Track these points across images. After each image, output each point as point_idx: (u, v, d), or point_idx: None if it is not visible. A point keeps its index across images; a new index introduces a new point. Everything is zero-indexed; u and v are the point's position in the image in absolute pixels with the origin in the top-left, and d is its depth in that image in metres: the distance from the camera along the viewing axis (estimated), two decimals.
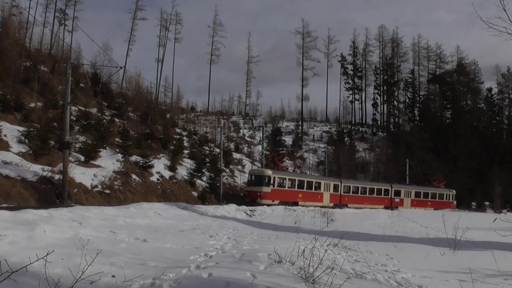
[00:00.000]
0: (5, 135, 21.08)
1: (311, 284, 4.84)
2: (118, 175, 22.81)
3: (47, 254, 4.16)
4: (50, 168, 19.23)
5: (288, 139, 70.84)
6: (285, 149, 60.81)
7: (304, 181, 32.25)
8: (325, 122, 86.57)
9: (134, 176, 24.30)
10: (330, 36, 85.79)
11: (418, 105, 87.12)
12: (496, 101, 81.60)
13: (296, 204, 29.61)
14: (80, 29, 58.62)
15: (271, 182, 28.36)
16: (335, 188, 34.63)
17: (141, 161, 26.31)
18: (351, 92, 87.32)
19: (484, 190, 55.52)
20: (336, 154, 63.48)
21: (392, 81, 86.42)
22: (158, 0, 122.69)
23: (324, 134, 79.10)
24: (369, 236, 12.27)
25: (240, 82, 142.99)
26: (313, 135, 78.21)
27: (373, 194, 38.30)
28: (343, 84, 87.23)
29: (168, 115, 56.53)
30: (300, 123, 79.33)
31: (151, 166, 26.78)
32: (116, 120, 37.96)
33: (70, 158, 20.73)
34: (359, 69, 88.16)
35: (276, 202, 28.19)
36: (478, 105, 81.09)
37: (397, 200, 40.06)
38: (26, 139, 21.47)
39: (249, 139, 67.04)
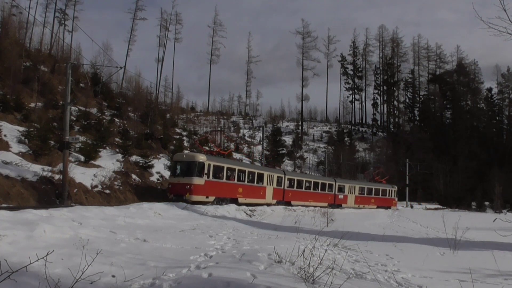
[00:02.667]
0: (5, 135, 21.08)
1: (311, 284, 4.84)
2: (118, 175, 22.80)
3: (47, 254, 4.16)
4: (50, 168, 19.23)
5: (288, 139, 70.87)
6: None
7: (245, 171, 25.18)
8: (325, 122, 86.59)
9: (134, 176, 24.31)
10: (330, 36, 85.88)
11: (418, 105, 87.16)
12: (496, 101, 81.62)
13: (235, 201, 23.36)
14: (80, 29, 58.66)
15: (205, 171, 20.96)
16: (279, 181, 28.64)
17: (141, 161, 26.30)
18: (351, 92, 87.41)
19: (484, 190, 55.52)
20: (336, 154, 63.52)
21: (392, 81, 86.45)
22: (158, 0, 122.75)
23: (324, 134, 79.13)
24: (369, 236, 12.27)
25: (241, 82, 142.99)
26: (313, 135, 78.23)
27: (317, 190, 33.50)
28: (343, 84, 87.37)
29: (168, 115, 56.55)
30: (300, 123, 79.35)
31: (151, 166, 26.78)
32: (116, 120, 37.97)
33: (70, 158, 20.73)
34: (359, 69, 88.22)
35: (211, 198, 21.45)
36: (478, 105, 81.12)
37: (341, 196, 35.81)
38: (26, 139, 21.47)
39: (249, 139, 67.05)
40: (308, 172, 62.10)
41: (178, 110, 65.36)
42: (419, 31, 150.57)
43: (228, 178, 23.22)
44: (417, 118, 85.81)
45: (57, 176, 18.48)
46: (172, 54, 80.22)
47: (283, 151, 63.02)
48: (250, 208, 23.02)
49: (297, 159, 65.13)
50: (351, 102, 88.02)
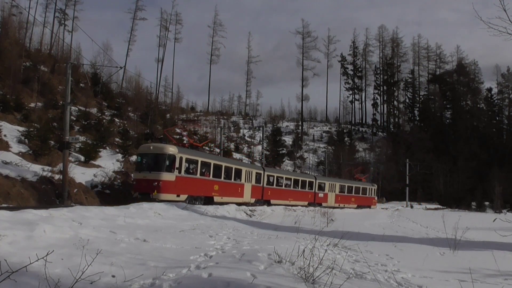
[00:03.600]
0: (5, 135, 21.10)
1: (311, 284, 4.84)
2: (118, 175, 22.81)
3: (47, 254, 4.16)
4: (50, 168, 19.25)
5: (288, 139, 70.91)
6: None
7: (221, 166, 22.36)
8: (325, 122, 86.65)
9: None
10: (330, 36, 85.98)
11: (418, 105, 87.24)
12: (496, 101, 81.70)
13: (210, 200, 20.98)
14: (80, 29, 58.70)
15: (176, 165, 18.39)
16: (257, 178, 26.16)
17: None
18: (351, 92, 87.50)
19: (484, 190, 55.55)
20: (336, 154, 63.56)
21: (392, 81, 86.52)
22: (158, 0, 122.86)
23: (324, 134, 79.16)
24: (369, 236, 12.28)
25: (241, 82, 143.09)
26: (313, 135, 78.26)
27: (298, 188, 31.36)
28: (343, 84, 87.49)
29: (168, 115, 56.58)
30: (300, 123, 79.39)
31: None
32: (116, 120, 38.00)
33: (70, 158, 20.74)
34: (359, 69, 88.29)
35: (183, 197, 18.81)
36: (478, 105, 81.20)
37: (321, 195, 33.85)
38: (26, 139, 21.49)
39: (249, 139, 67.04)
40: (308, 172, 62.14)
41: (178, 110, 65.39)
42: (419, 31, 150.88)
43: (202, 173, 20.56)
44: (417, 118, 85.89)
45: (57, 176, 18.50)
46: (172, 54, 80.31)
47: (283, 151, 63.05)
48: (250, 208, 22.99)
49: (297, 159, 65.16)
50: (351, 102, 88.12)
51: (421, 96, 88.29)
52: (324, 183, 35.07)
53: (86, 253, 5.03)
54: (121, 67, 24.15)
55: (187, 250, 7.04)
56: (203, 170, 20.75)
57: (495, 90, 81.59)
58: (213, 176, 21.37)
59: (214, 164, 21.66)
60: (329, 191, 35.18)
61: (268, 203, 26.71)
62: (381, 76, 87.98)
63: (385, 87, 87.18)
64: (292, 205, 27.44)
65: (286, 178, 30.59)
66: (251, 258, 6.09)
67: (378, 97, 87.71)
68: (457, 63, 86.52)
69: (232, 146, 58.75)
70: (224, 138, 50.27)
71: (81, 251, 5.30)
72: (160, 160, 18.39)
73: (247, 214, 20.40)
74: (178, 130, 43.90)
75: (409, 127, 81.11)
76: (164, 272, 5.04)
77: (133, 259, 5.77)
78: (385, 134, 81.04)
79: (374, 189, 43.83)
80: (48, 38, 52.84)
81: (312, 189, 33.02)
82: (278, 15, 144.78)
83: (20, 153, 20.15)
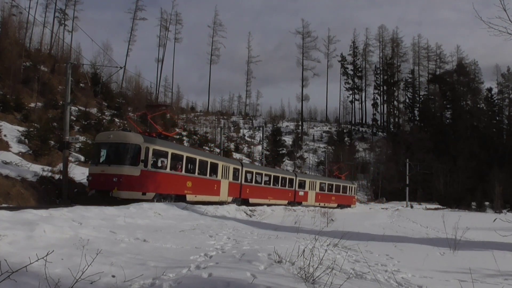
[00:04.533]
0: (5, 135, 21.10)
1: (311, 284, 4.84)
2: None
3: (47, 254, 4.16)
4: (50, 168, 19.24)
5: (288, 139, 70.93)
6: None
7: (195, 160, 19.67)
8: (325, 122, 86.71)
9: None
10: (330, 36, 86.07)
11: (418, 105, 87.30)
12: (496, 101, 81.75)
13: (181, 198, 18.15)
14: (80, 29, 58.74)
15: (141, 157, 15.59)
16: (235, 174, 23.70)
17: None
18: (351, 92, 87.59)
19: (484, 190, 55.56)
20: (336, 154, 63.58)
21: (392, 81, 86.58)
22: (158, 0, 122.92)
23: (324, 134, 79.18)
24: (369, 236, 12.27)
25: (241, 82, 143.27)
26: (313, 135, 78.28)
27: (277, 185, 29.01)
28: (343, 84, 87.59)
29: (168, 115, 56.58)
30: (300, 123, 79.40)
31: None
32: (116, 120, 38.00)
33: (70, 158, 20.74)
34: (359, 69, 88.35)
35: (150, 195, 16.02)
36: (478, 105, 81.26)
37: (301, 193, 31.84)
38: (26, 139, 21.50)
39: (249, 139, 67.04)
40: (308, 173, 62.15)
41: (178, 110, 65.42)
42: (420, 30, 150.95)
43: (173, 168, 17.83)
44: (417, 118, 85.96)
45: (57, 176, 18.49)
46: (172, 54, 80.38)
47: (283, 151, 63.07)
48: (250, 208, 22.97)
49: (297, 159, 65.17)
50: (351, 102, 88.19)
51: (421, 96, 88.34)
52: (305, 181, 33.18)
53: (86, 253, 5.03)
54: (121, 67, 24.16)
55: (187, 250, 7.04)
56: (175, 164, 17.98)
57: (495, 90, 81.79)
58: (185, 171, 18.68)
59: (187, 157, 18.85)
60: (309, 189, 33.25)
61: (247, 203, 24.25)
62: (381, 76, 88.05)
63: (385, 87, 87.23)
64: (271, 205, 25.46)
65: (266, 175, 28.06)
66: (251, 258, 6.09)
67: (378, 97, 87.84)
68: (457, 63, 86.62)
69: (232, 146, 58.76)
70: (224, 138, 50.26)
71: (81, 251, 5.30)
72: (121, 151, 15.64)
73: (247, 214, 20.40)
74: (178, 130, 43.69)
75: (409, 127, 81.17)
76: (164, 272, 5.04)
77: (133, 259, 5.77)
78: (385, 134, 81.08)
79: (354, 188, 42.35)
80: (48, 38, 52.94)
81: (293, 187, 31.02)
82: (279, 15, 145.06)
83: (20, 153, 20.16)
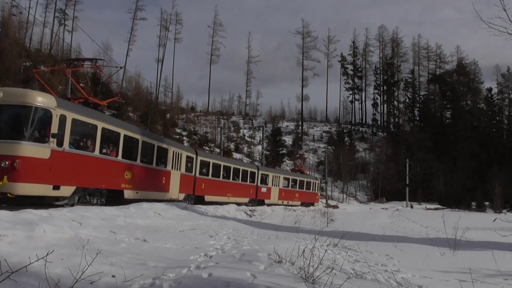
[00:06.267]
0: None
1: (311, 284, 4.84)
2: None
3: (47, 254, 4.16)
4: None
5: (288, 139, 70.95)
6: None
7: (137, 141, 14.73)
8: (325, 122, 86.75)
9: None
10: (330, 36, 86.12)
11: (418, 105, 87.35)
12: (496, 101, 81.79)
13: (117, 195, 13.73)
14: (80, 29, 58.74)
15: (53, 131, 10.44)
16: (189, 165, 19.56)
17: None
18: (351, 92, 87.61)
19: (484, 190, 55.59)
20: (336, 154, 63.62)
21: (392, 81, 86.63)
22: (158, 0, 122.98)
23: (324, 134, 79.20)
24: (369, 236, 12.27)
25: (242, 82, 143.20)
26: (313, 135, 78.29)
27: (238, 180, 24.83)
28: (343, 84, 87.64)
29: (168, 115, 56.64)
30: (300, 123, 79.41)
31: None
32: None
33: None
34: (359, 69, 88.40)
35: (66, 190, 11.14)
36: (478, 105, 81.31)
37: (264, 189, 27.98)
38: None
39: (249, 139, 67.05)
40: (308, 173, 62.15)
41: (178, 110, 65.48)
42: (422, 30, 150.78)
43: (106, 150, 12.99)
44: (417, 118, 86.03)
45: None
46: (172, 54, 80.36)
47: (283, 151, 63.07)
48: (250, 208, 22.94)
49: (297, 159, 65.19)
50: (351, 102, 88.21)
51: (421, 96, 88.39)
52: (267, 175, 29.09)
53: (86, 253, 5.03)
54: (121, 67, 24.19)
55: (187, 250, 7.04)
56: (107, 145, 13.08)
57: (495, 90, 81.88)
58: (123, 157, 13.63)
59: (125, 136, 13.78)
60: (272, 185, 29.37)
61: (201, 201, 20.32)
62: (381, 76, 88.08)
63: (385, 87, 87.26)
64: (229, 203, 21.45)
65: (225, 167, 23.60)
66: (251, 258, 6.09)
67: (378, 97, 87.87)
68: (457, 63, 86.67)
69: (232, 146, 58.78)
70: (224, 138, 50.26)
71: (81, 251, 5.30)
72: (18, 117, 10.15)
73: (247, 214, 20.41)
74: (178, 130, 43.62)
75: (409, 127, 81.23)
76: (164, 272, 5.04)
77: (133, 259, 5.77)
78: (385, 134, 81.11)
79: (318, 184, 38.89)
80: (48, 38, 53.00)
81: (254, 182, 27.00)
82: (279, 14, 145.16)
83: None
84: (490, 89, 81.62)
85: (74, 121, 11.19)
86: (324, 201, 45.38)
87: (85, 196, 12.43)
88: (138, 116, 42.40)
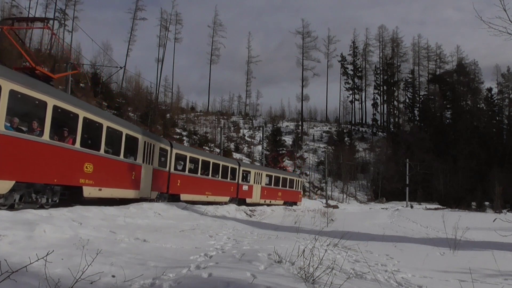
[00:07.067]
0: None
1: (311, 284, 4.84)
2: None
3: (47, 254, 4.16)
4: None
5: (288, 139, 70.92)
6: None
7: (101, 127, 12.36)
8: (325, 122, 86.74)
9: None
10: (330, 36, 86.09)
11: (418, 105, 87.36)
12: (496, 101, 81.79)
13: (74, 192, 11.44)
14: (80, 29, 58.75)
15: None
16: (162, 159, 17.39)
17: None
18: (351, 92, 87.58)
19: (484, 190, 55.60)
20: (336, 154, 63.61)
21: (392, 81, 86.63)
22: (158, 0, 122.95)
23: (324, 134, 79.18)
24: (369, 236, 12.27)
25: (242, 82, 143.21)
26: (313, 135, 78.26)
27: (218, 177, 22.60)
28: (343, 84, 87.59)
29: (168, 115, 56.64)
30: (300, 123, 79.40)
31: None
32: None
33: None
34: (359, 69, 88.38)
35: (2, 186, 8.47)
36: (478, 105, 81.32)
37: (245, 187, 26.01)
38: None
39: (249, 139, 67.05)
40: (308, 173, 62.20)
41: (178, 110, 65.47)
42: (423, 30, 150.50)
43: (58, 136, 10.48)
44: (417, 118, 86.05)
45: None
46: (172, 54, 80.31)
47: (283, 151, 63.05)
48: (250, 208, 22.91)
49: (297, 159, 65.15)
50: (351, 102, 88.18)
51: (421, 96, 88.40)
52: (249, 172, 27.05)
53: (86, 253, 5.03)
54: (121, 67, 24.19)
55: (187, 250, 7.04)
56: (60, 129, 10.62)
57: (495, 90, 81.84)
58: (83, 145, 11.20)
59: (85, 119, 11.20)
60: (254, 182, 27.34)
61: (176, 199, 18.33)
62: (381, 76, 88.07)
63: (385, 87, 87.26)
64: (209, 203, 20.17)
65: (204, 162, 21.20)
66: (251, 258, 6.09)
67: (378, 97, 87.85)
68: (457, 63, 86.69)
69: (232, 146, 58.78)
70: (224, 138, 50.25)
71: (81, 251, 5.31)
72: None
73: (247, 214, 20.40)
74: (178, 130, 43.57)
75: (409, 127, 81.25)
76: (164, 272, 5.04)
77: (133, 259, 5.77)
78: (385, 134, 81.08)
79: (301, 182, 36.39)
80: (48, 38, 52.92)
81: (235, 179, 24.99)
82: (280, 14, 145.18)
83: None
84: (490, 89, 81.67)
85: (13, 93, 8.47)
86: (324, 201, 45.36)
87: (30, 194, 9.71)
88: (138, 116, 42.39)
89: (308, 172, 62.70)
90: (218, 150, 39.93)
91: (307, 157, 68.18)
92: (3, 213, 7.51)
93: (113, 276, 4.68)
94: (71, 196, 11.37)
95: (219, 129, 52.88)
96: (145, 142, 15.38)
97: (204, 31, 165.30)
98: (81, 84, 40.53)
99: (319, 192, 57.81)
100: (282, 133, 70.32)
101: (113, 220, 10.19)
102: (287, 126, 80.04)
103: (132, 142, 14.34)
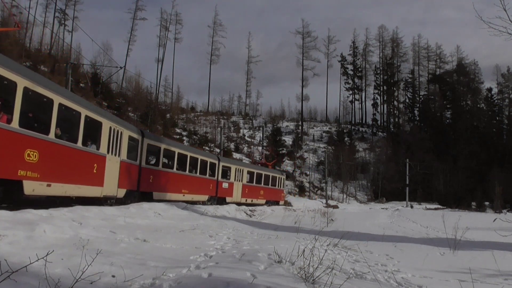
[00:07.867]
0: None
1: (311, 284, 4.84)
2: None
3: (47, 254, 4.16)
4: None
5: (288, 139, 70.92)
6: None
7: (51, 104, 9.38)
8: (325, 122, 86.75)
9: None
10: (330, 36, 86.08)
11: (418, 105, 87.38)
12: (496, 101, 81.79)
13: (10, 188, 8.53)
14: (80, 29, 58.72)
15: None
16: (132, 150, 14.63)
17: None
18: (351, 92, 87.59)
19: (484, 190, 55.60)
20: (336, 154, 63.61)
21: (392, 81, 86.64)
22: (158, 0, 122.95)
23: (324, 134, 79.18)
24: (369, 236, 12.27)
25: (242, 82, 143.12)
26: (313, 135, 78.26)
27: (195, 173, 20.58)
28: (343, 84, 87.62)
29: (168, 115, 56.66)
30: (300, 123, 79.39)
31: None
32: None
33: None
34: (359, 69, 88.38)
35: None
36: (478, 105, 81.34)
37: (225, 185, 24.16)
38: None
39: (249, 139, 67.06)
40: (308, 173, 62.21)
41: (178, 110, 65.49)
42: (424, 30, 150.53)
43: None
44: (417, 118, 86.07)
45: None
46: (172, 54, 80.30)
47: (283, 151, 63.05)
48: (250, 208, 22.90)
49: (297, 159, 65.15)
50: (351, 102, 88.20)
51: (421, 96, 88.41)
52: (230, 168, 25.10)
53: (86, 253, 5.03)
54: (121, 67, 24.18)
55: (187, 250, 7.04)
56: None
57: (495, 90, 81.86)
58: (23, 125, 8.48)
59: (27, 91, 8.55)
60: (235, 179, 25.52)
61: (148, 198, 15.92)
62: (381, 76, 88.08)
63: (385, 87, 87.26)
64: (186, 202, 18.02)
65: (180, 156, 18.91)
66: (251, 258, 6.09)
67: (378, 97, 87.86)
68: (457, 63, 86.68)
69: (232, 146, 58.79)
70: (224, 138, 50.24)
71: (81, 251, 5.31)
72: None
73: (247, 214, 20.40)
74: (178, 130, 43.56)
75: (409, 127, 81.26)
76: (164, 272, 5.04)
77: (133, 259, 5.77)
78: (385, 134, 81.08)
79: (284, 179, 34.47)
80: (48, 38, 52.98)
81: (214, 176, 22.94)
82: (280, 14, 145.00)
83: None
84: (490, 89, 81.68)
85: None
86: (324, 201, 45.37)
87: None
88: (138, 116, 42.37)
89: (308, 172, 62.69)
90: (218, 150, 39.92)
91: (307, 157, 68.18)
92: (3, 213, 7.51)
93: (113, 276, 4.68)
94: (5, 194, 8.61)
95: (219, 129, 52.90)
96: (110, 128, 12.73)
97: (204, 31, 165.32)
98: (81, 84, 40.53)
99: (319, 192, 57.82)
100: (282, 133, 70.31)
101: (113, 220, 10.19)
102: (287, 126, 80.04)
103: (93, 126, 11.74)
